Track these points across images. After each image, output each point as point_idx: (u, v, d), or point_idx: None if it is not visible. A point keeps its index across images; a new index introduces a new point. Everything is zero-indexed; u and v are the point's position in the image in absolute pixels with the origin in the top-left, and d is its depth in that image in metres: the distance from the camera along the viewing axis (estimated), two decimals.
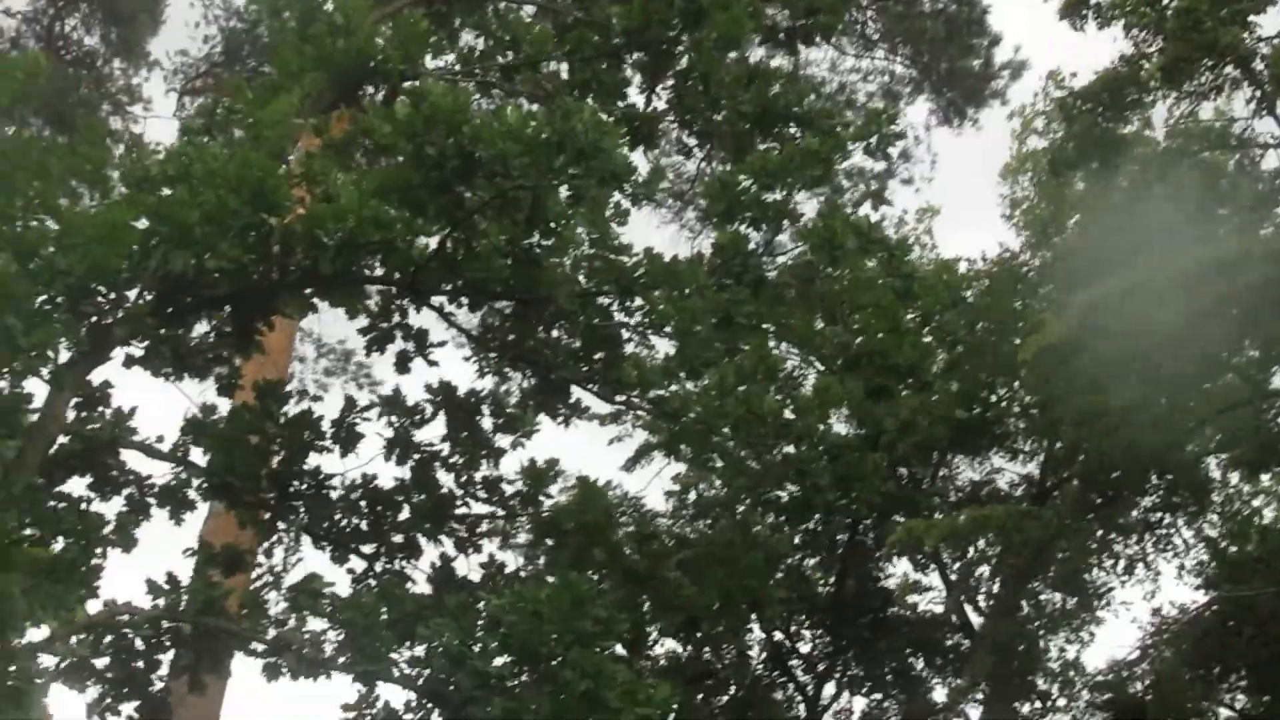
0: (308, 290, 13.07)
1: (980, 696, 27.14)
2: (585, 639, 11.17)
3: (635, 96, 15.27)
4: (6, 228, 11.30)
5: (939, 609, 29.56)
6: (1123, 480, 24.80)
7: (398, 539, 13.80)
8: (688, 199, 29.09)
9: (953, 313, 23.87)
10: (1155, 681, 26.73)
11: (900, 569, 29.74)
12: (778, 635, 29.52)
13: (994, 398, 26.37)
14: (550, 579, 12.70)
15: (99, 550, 11.62)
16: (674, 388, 13.31)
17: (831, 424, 21.85)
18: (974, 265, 27.82)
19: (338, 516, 13.62)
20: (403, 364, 14.07)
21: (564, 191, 12.32)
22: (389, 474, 14.07)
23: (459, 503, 14.04)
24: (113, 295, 11.93)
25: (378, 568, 13.63)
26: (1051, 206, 27.71)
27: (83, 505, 12.54)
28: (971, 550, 27.50)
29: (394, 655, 11.84)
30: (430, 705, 12.54)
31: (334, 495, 13.69)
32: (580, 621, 11.17)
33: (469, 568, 13.90)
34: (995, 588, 28.12)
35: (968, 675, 25.86)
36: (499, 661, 11.36)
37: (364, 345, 14.12)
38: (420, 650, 11.86)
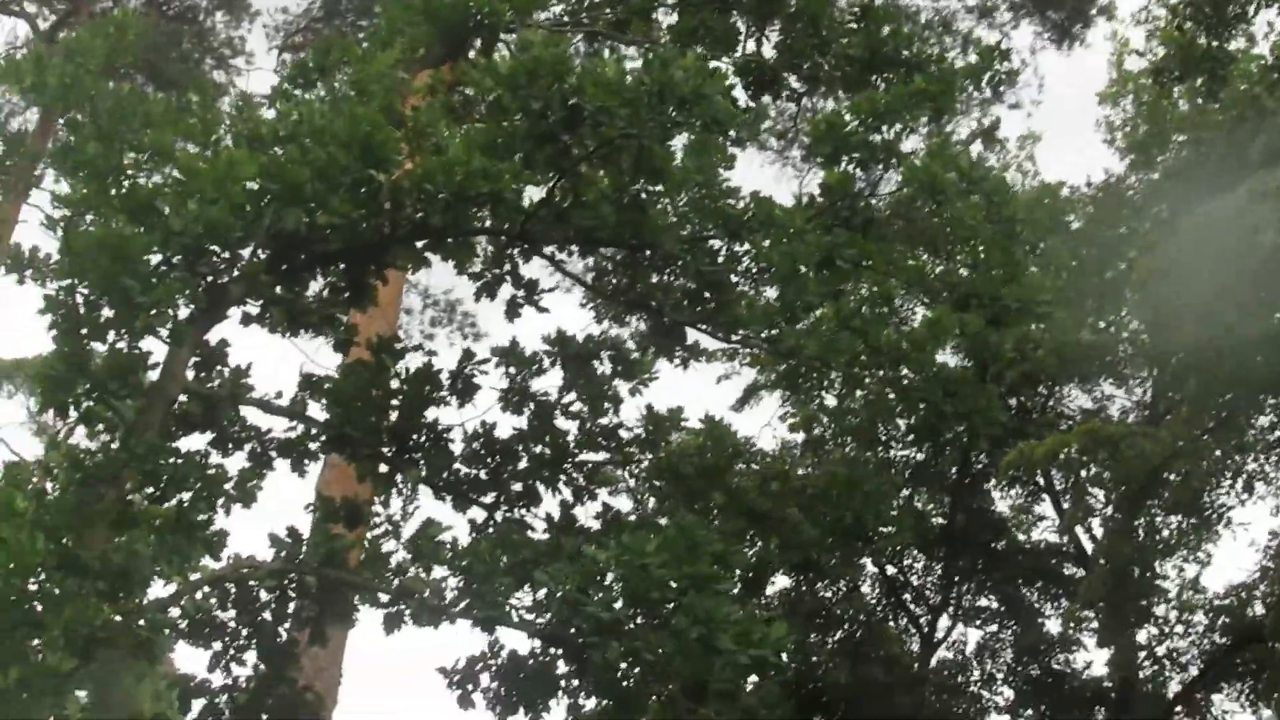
0: (419, 243, 13.12)
1: (1095, 624, 27.00)
2: (699, 583, 11.16)
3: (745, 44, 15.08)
4: (113, 182, 11.43)
5: (1052, 538, 29.41)
6: (1236, 401, 24.40)
7: (517, 488, 13.85)
8: (791, 137, 28.86)
9: (1056, 239, 23.53)
10: (1275, 604, 26.38)
11: (1012, 500, 29.61)
12: (890, 570, 29.57)
13: (1102, 323, 26.05)
14: (663, 521, 12.68)
15: (222, 506, 11.75)
16: (786, 326, 13.20)
17: (945, 359, 21.74)
18: (1077, 190, 27.43)
19: (456, 467, 13.69)
20: (513, 310, 14.06)
21: (670, 138, 12.26)
22: (507, 424, 14.07)
23: (578, 451, 14.04)
24: (227, 254, 12.06)
25: (497, 517, 13.70)
26: (1153, 128, 27.19)
27: (204, 462, 12.69)
28: (1084, 474, 27.22)
29: (513, 601, 11.90)
30: (551, 649, 12.68)
31: (453, 446, 13.74)
32: (694, 566, 11.16)
33: (588, 515, 13.96)
34: (1109, 512, 27.82)
35: (1081, 600, 25.64)
36: (616, 606, 11.38)
37: (473, 292, 14.14)
38: (540, 595, 11.91)
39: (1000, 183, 14.00)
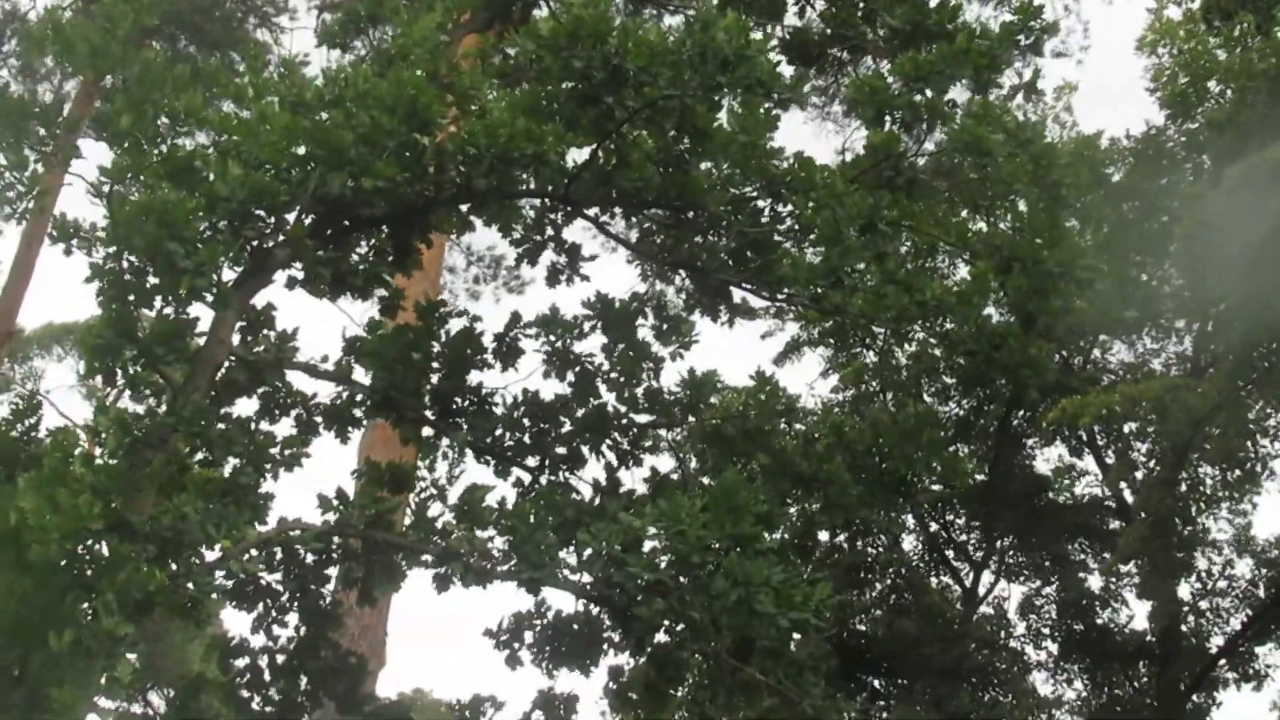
0: (462, 207, 13.14)
1: (1137, 579, 26.94)
2: (741, 543, 11.18)
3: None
4: (151, 149, 11.47)
5: (1094, 493, 29.34)
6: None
7: (560, 451, 13.89)
8: (832, 93, 28.70)
9: (1096, 191, 23.36)
10: None
11: (1054, 455, 29.55)
12: (932, 526, 29.62)
13: (1144, 276, 25.90)
14: (706, 482, 12.69)
15: (268, 470, 11.83)
16: (829, 286, 13.17)
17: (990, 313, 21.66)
18: (1116, 142, 27.22)
19: (500, 431, 13.73)
20: (554, 277, 14.11)
21: (713, 100, 12.24)
22: (550, 388, 14.12)
23: (620, 415, 14.07)
24: (272, 218, 12.09)
25: (542, 480, 13.74)
26: (1193, 78, 26.91)
27: (251, 426, 12.78)
28: (1127, 429, 27.14)
29: (558, 561, 11.96)
30: (595, 608, 12.76)
31: (496, 410, 13.78)
32: (737, 527, 11.18)
33: (633, 479, 13.99)
34: (1152, 465, 27.73)
35: (1120, 553, 25.57)
36: (658, 567, 11.42)
37: (515, 258, 14.16)
38: (584, 555, 11.96)
39: (1047, 145, 13.90)
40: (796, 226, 13.23)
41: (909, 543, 29.67)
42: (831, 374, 27.60)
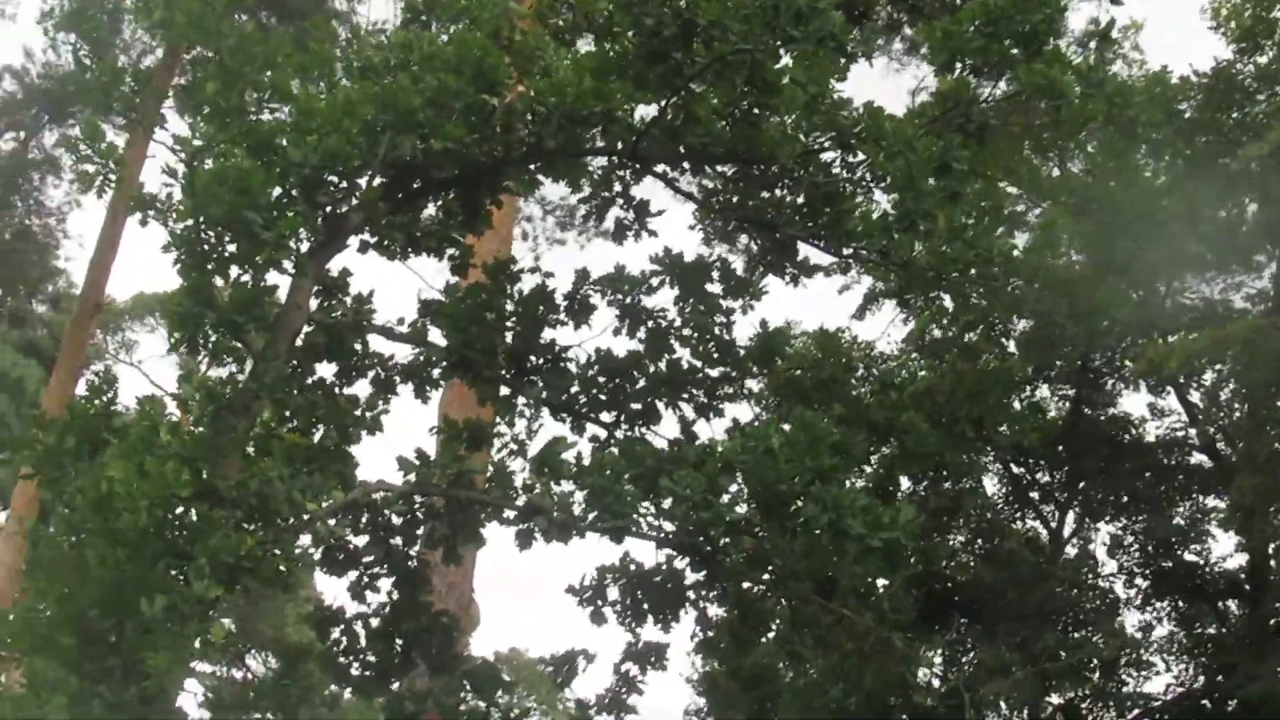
0: (532, 166, 13.18)
1: (1224, 516, 26.67)
2: (824, 474, 11.20)
3: None
4: (234, 120, 11.58)
5: (1178, 431, 29.04)
6: None
7: (636, 407, 13.93)
8: (895, 31, 28.46)
9: (1167, 129, 23.07)
10: None
11: (1137, 394, 29.24)
12: (1015, 468, 29.43)
13: (1221, 212, 25.55)
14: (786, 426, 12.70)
15: (352, 433, 11.96)
16: (899, 237, 13.08)
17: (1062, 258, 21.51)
18: (1185, 78, 26.79)
19: (575, 389, 13.79)
20: (620, 234, 14.14)
21: (782, 53, 12.18)
22: (623, 345, 14.11)
23: (694, 369, 14.08)
24: (345, 184, 12.20)
25: (618, 436, 13.79)
26: (1261, 11, 26.40)
27: (332, 390, 12.92)
28: (1214, 371, 26.79)
29: (640, 511, 12.01)
30: (679, 559, 12.83)
31: (570, 367, 13.84)
32: (818, 459, 11.19)
33: (710, 432, 14.00)
34: (1240, 405, 27.36)
35: (1232, 497, 25.26)
36: (742, 508, 11.45)
37: (581, 215, 14.23)
38: (666, 503, 12.01)
39: (1121, 84, 13.71)
40: (868, 177, 13.16)
41: (991, 486, 29.51)
42: (908, 321, 27.46)
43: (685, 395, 13.97)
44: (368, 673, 13.45)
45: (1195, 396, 28.06)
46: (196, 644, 9.79)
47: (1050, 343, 24.32)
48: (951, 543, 28.45)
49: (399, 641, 13.53)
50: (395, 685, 13.57)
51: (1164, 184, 23.54)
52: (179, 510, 9.86)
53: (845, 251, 13.85)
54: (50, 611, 9.70)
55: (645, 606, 13.24)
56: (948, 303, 23.21)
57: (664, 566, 13.16)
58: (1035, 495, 29.84)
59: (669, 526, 12.04)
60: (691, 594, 13.20)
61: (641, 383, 13.96)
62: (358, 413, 12.19)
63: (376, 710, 14.56)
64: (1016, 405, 24.03)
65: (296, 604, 13.63)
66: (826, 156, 13.22)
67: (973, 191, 13.16)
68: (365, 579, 13.39)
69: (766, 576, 12.11)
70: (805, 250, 14.03)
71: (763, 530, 11.49)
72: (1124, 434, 28.82)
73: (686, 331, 14.11)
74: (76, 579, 9.60)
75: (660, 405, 13.95)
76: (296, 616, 15.59)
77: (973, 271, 13.24)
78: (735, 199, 14.05)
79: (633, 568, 13.21)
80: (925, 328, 26.44)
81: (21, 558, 20.77)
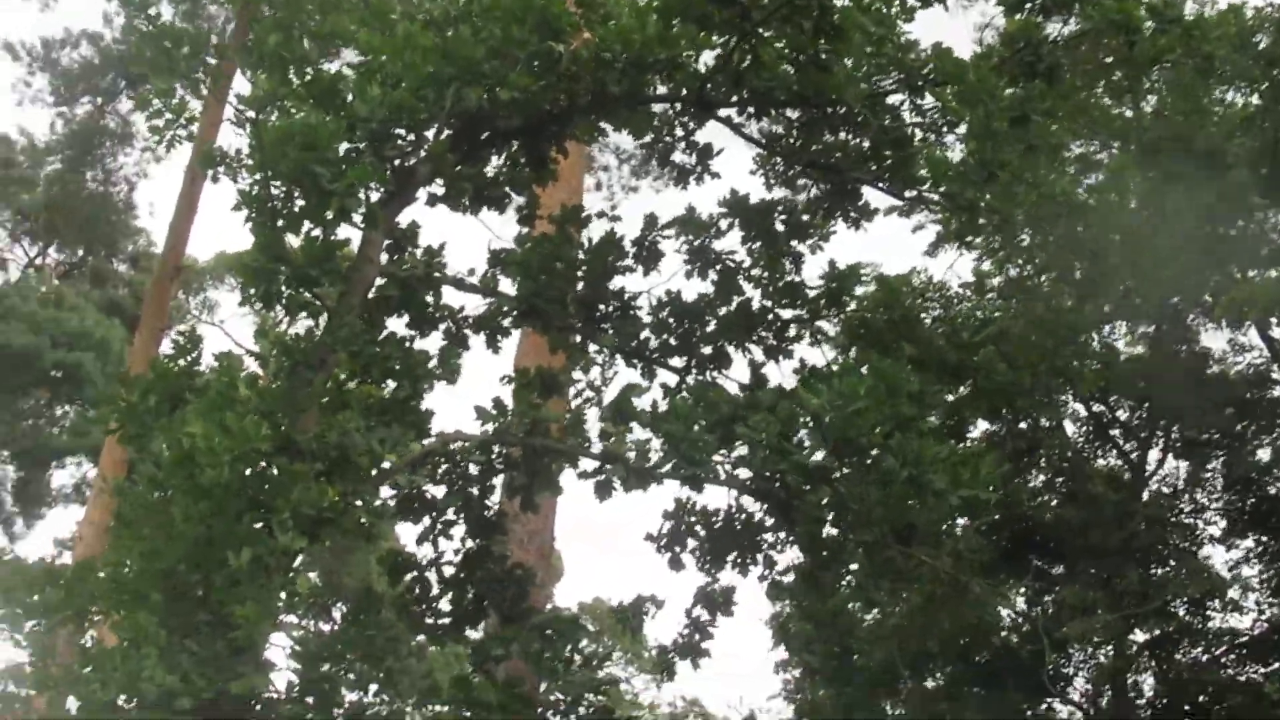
0: (596, 114, 13.17)
1: None
2: (903, 424, 11.15)
3: None
4: (297, 72, 11.65)
5: (1260, 367, 28.69)
6: None
7: (706, 351, 13.93)
8: None
9: (1243, 62, 22.67)
10: None
11: (1218, 331, 28.86)
12: (1095, 406, 29.21)
13: None
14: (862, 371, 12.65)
15: (426, 385, 12.05)
16: (976, 181, 12.95)
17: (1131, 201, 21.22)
18: (1262, 10, 26.26)
19: (645, 334, 13.81)
20: (683, 178, 14.13)
21: None
22: (693, 288, 14.12)
23: (764, 311, 14.05)
24: (412, 137, 12.24)
25: (690, 380, 13.80)
26: None
27: (405, 343, 13.00)
28: None
29: (716, 457, 12.02)
30: (755, 504, 12.85)
31: (640, 313, 13.86)
32: (896, 407, 11.13)
33: (780, 374, 13.99)
34: None
35: None
36: (819, 455, 11.42)
37: (643, 159, 14.21)
38: (742, 450, 12.00)
39: (1196, 17, 13.47)
40: (939, 121, 13.05)
41: (1071, 426, 29.28)
42: (981, 261, 27.23)
43: (755, 338, 13.96)
44: (441, 621, 13.59)
45: (1277, 333, 27.71)
46: (282, 596, 9.94)
47: (1120, 283, 24.05)
48: (1032, 483, 28.29)
49: (471, 591, 13.65)
50: (469, 633, 13.70)
51: (1240, 115, 23.16)
52: (260, 465, 9.99)
53: (909, 195, 13.77)
54: (138, 567, 9.88)
55: (722, 551, 13.29)
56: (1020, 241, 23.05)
57: (739, 512, 13.18)
58: (1116, 433, 29.61)
59: (744, 473, 12.05)
60: (769, 537, 13.23)
61: (711, 326, 13.96)
62: (431, 365, 12.27)
63: (462, 658, 14.72)
64: (1091, 345, 23.95)
65: (378, 555, 13.77)
66: (893, 100, 13.11)
67: (1038, 129, 12.99)
68: (438, 527, 13.50)
69: (842, 521, 12.09)
70: (867, 193, 13.98)
71: (839, 476, 11.45)
72: (1205, 370, 28.50)
73: (755, 273, 14.09)
74: (163, 535, 9.77)
75: (730, 348, 13.95)
76: (379, 568, 15.77)
77: (1036, 213, 13.11)
78: (799, 143, 13.96)
79: (710, 511, 13.25)
80: (998, 268, 26.27)
81: (110, 516, 21.12)
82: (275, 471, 9.96)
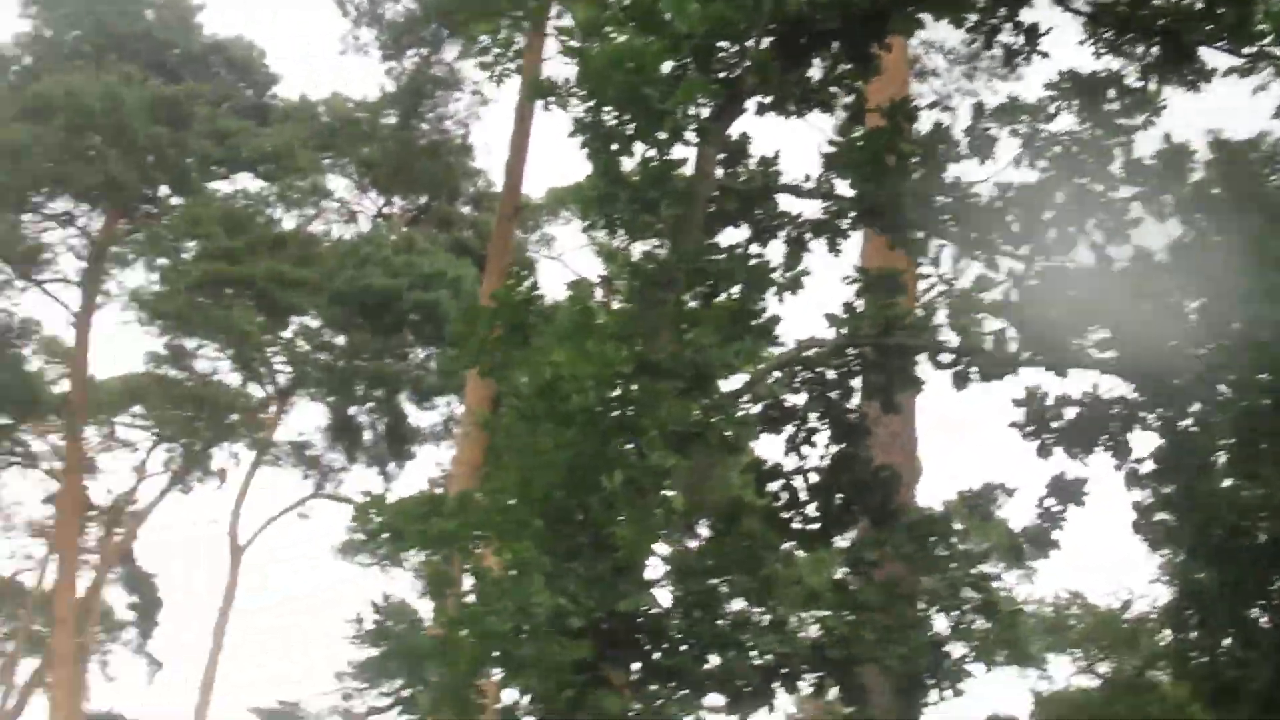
0: (913, 6, 12.91)
1: None
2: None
3: None
4: None
5: None
6: None
7: (1050, 236, 13.52)
8: None
9: None
10: None
11: None
12: None
13: None
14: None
15: (773, 294, 12.09)
16: None
17: None
18: None
19: (986, 224, 13.49)
20: (1010, 59, 13.76)
21: None
22: (1026, 177, 13.68)
23: (1101, 191, 13.55)
24: (735, 48, 12.21)
25: (1036, 268, 13.43)
26: None
27: (747, 254, 13.02)
28: None
29: (1078, 342, 11.70)
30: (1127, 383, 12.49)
31: (977, 204, 13.53)
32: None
33: (1119, 255, 13.47)
34: None
35: None
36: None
37: (968, 45, 13.85)
38: (1101, 333, 11.66)
39: None
40: None
41: None
42: None
43: (1095, 219, 13.47)
44: (809, 527, 13.63)
45: None
46: (657, 514, 10.14)
47: None
48: None
49: (839, 496, 13.64)
50: (837, 540, 13.72)
51: None
52: (623, 386, 10.20)
53: (1248, 51, 13.06)
54: (516, 496, 10.23)
55: (1086, 437, 12.98)
56: None
57: (1097, 397, 12.84)
58: None
59: (1102, 355, 11.72)
60: (1142, 420, 12.86)
61: (1050, 213, 13.53)
62: (775, 273, 12.28)
63: (828, 564, 14.78)
64: None
65: (741, 467, 13.89)
66: None
67: None
68: (802, 434, 13.52)
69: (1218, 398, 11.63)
70: (1203, 54, 13.33)
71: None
72: None
73: (1089, 154, 13.59)
74: (536, 463, 10.08)
75: (1071, 232, 13.51)
76: (741, 481, 15.90)
77: None
78: (1128, 5, 13.38)
79: (1068, 398, 12.93)
80: None
81: (479, 453, 21.94)
82: (638, 392, 10.15)
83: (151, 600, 48.28)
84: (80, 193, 40.93)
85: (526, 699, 10.15)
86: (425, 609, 10.82)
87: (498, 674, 10.14)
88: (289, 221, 43.60)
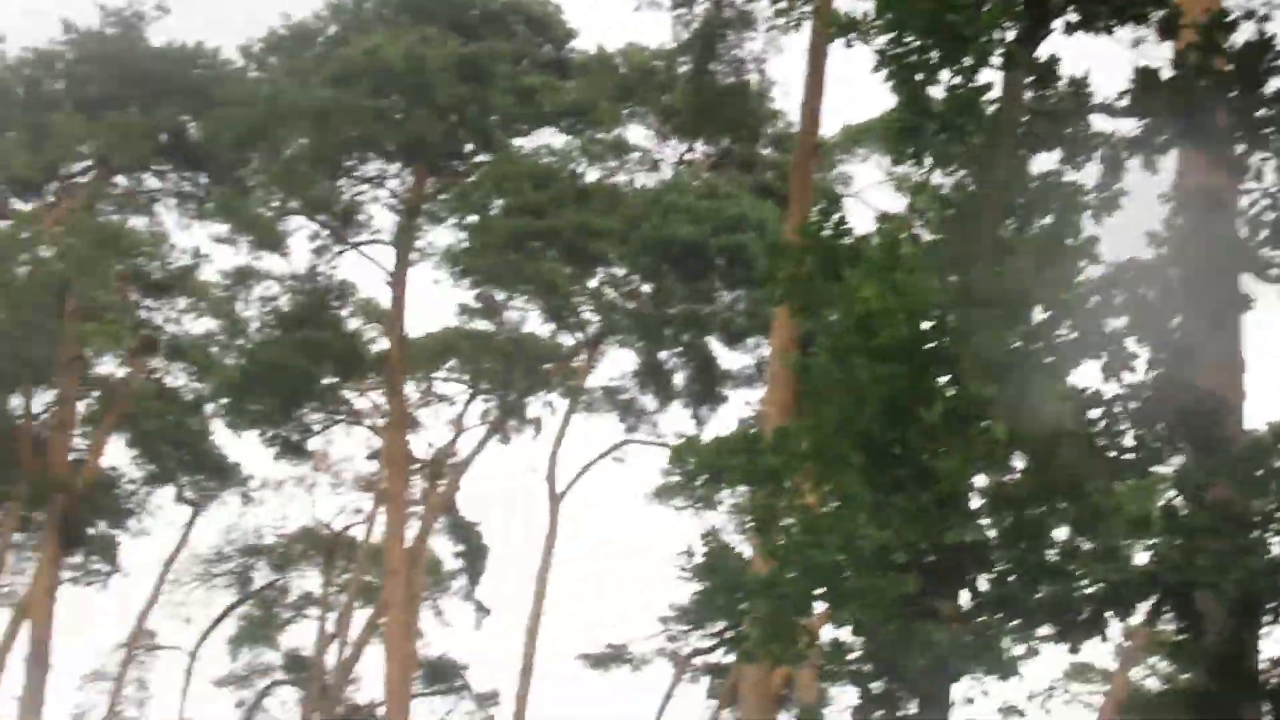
0: None
1: None
2: None
3: None
4: None
5: None
6: None
7: None
8: None
9: None
10: None
11: None
12: None
13: None
14: None
15: (1087, 217, 11.81)
16: None
17: None
18: None
19: None
20: None
21: None
22: None
23: None
24: None
25: None
26: None
27: (1059, 179, 12.74)
28: None
29: None
30: None
31: None
32: None
33: None
34: None
35: None
36: None
37: None
38: None
39: None
40: None
41: None
42: None
43: None
44: (1129, 455, 13.27)
45: None
46: (979, 444, 10.07)
47: None
48: None
49: (1161, 423, 13.24)
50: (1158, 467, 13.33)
51: None
52: (937, 319, 10.13)
53: None
54: (834, 432, 10.28)
55: None
56: None
57: None
58: None
59: None
60: None
61: None
62: (1089, 197, 11.99)
63: (1151, 492, 14.39)
64: None
65: (1060, 394, 13.60)
66: None
67: None
68: (1121, 360, 13.16)
69: None
70: None
71: None
72: None
73: None
74: (852, 399, 10.11)
75: None
76: (1059, 412, 15.63)
77: None
78: None
79: None
80: None
81: (790, 394, 21.95)
82: (954, 323, 10.08)
83: (477, 548, 49.75)
84: (389, 154, 42.14)
85: (851, 633, 10.22)
86: (745, 549, 11.01)
87: (820, 610, 10.24)
88: (592, 173, 44.14)
